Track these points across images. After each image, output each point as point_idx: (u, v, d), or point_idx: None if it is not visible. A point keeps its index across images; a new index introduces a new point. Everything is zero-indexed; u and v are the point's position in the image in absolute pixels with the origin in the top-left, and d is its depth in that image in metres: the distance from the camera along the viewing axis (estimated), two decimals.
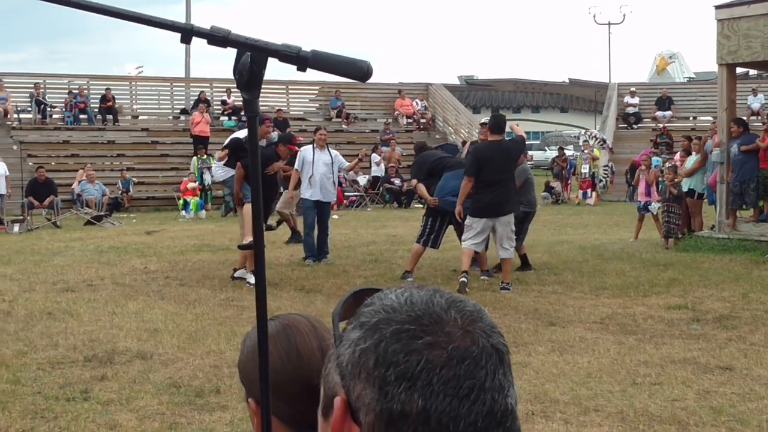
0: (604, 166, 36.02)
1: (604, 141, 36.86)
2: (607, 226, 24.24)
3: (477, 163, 13.33)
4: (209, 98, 37.84)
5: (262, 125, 15.72)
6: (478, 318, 1.24)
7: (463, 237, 13.65)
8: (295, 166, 17.08)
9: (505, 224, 13.34)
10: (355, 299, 1.32)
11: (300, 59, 1.73)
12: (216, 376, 8.37)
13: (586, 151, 35.40)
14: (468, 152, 14.52)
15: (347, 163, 17.82)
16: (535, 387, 7.99)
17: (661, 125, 39.36)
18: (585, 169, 34.55)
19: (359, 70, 1.75)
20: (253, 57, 1.72)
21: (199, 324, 10.84)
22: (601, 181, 35.37)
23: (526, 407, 7.37)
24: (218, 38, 1.72)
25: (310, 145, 17.16)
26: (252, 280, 13.82)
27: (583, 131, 42.46)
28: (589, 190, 34.38)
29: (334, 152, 17.35)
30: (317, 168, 16.67)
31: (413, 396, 1.16)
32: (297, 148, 16.29)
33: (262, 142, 14.53)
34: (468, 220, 13.45)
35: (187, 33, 1.73)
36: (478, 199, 13.25)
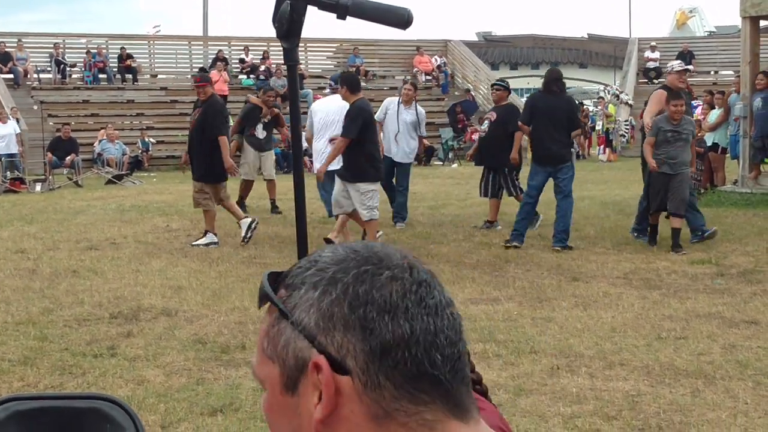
0: (625, 121, 35.82)
1: (617, 96, 36.66)
2: (629, 182, 24.13)
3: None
4: (227, 57, 37.75)
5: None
6: (404, 251, 1.34)
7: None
8: (377, 118, 16.41)
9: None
10: (272, 280, 1.35)
11: (339, 7, 1.72)
12: (241, 333, 8.41)
13: (599, 107, 35.24)
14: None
15: (424, 133, 16.53)
16: (560, 342, 8.00)
17: None
18: (599, 125, 34.40)
19: (400, 18, 1.74)
20: (292, 5, 1.71)
21: (223, 281, 10.87)
22: (623, 136, 35.17)
23: (551, 361, 7.39)
24: None
25: (396, 98, 16.14)
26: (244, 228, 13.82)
27: (602, 87, 42.23)
28: (602, 146, 34.23)
29: (421, 113, 16.12)
30: (399, 125, 15.70)
31: (399, 322, 1.24)
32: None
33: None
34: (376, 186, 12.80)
35: None
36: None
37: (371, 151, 12.54)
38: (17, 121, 28.70)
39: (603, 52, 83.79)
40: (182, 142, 33.35)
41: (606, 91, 37.40)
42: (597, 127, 34.45)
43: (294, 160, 1.82)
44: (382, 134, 15.80)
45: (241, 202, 17.22)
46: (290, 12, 1.70)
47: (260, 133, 17.77)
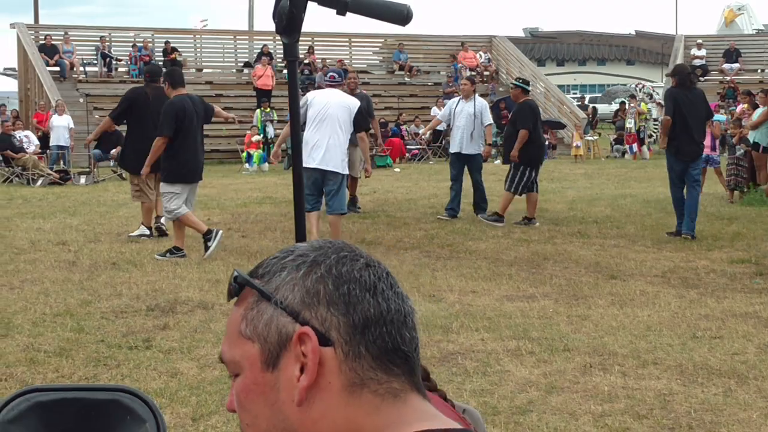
0: (654, 120, 35.62)
1: (651, 96, 36.41)
2: None
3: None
4: (272, 51, 37.85)
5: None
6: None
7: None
8: (441, 118, 17.08)
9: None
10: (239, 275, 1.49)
11: (339, 3, 1.73)
12: None
13: (632, 105, 34.95)
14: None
15: (489, 121, 16.37)
16: (594, 340, 7.97)
17: (728, 78, 38.78)
18: (630, 123, 34.09)
19: (398, 14, 1.75)
20: (292, 1, 1.72)
21: None
22: (651, 136, 34.91)
23: (584, 359, 7.36)
24: None
25: (458, 97, 16.70)
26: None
27: (633, 84, 41.93)
28: (634, 145, 33.94)
29: (481, 104, 16.39)
30: (458, 119, 16.18)
31: (378, 300, 1.41)
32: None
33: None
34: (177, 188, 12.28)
35: None
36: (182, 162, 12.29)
37: (180, 151, 12.12)
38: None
39: (650, 49, 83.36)
40: (227, 136, 33.70)
41: (637, 89, 37.19)
42: (628, 125, 34.14)
43: (293, 157, 1.83)
44: (451, 134, 16.58)
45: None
46: (290, 7, 1.71)
47: None
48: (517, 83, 16.06)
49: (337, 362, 1.38)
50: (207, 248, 12.13)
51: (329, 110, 12.26)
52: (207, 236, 12.18)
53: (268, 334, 1.41)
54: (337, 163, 12.26)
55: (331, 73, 13.35)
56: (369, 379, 1.39)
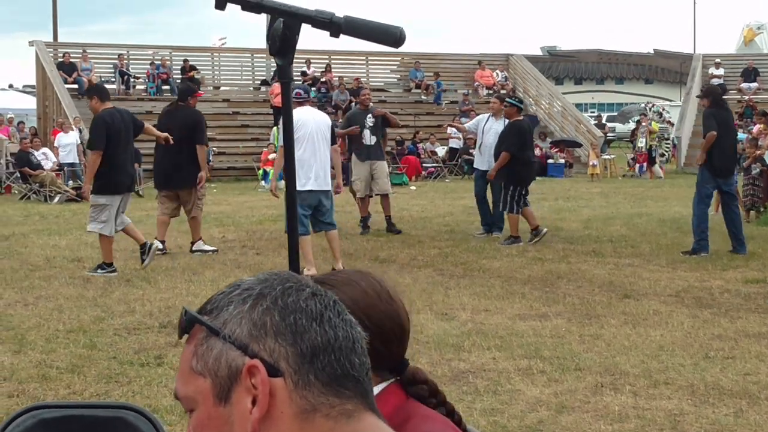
0: (666, 139, 35.57)
1: (661, 114, 36.41)
2: (688, 199, 23.82)
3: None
4: None
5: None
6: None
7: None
8: (468, 128, 17.33)
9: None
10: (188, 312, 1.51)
11: (333, 25, 1.74)
12: None
13: (643, 124, 34.92)
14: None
15: None
16: (606, 359, 7.95)
17: (746, 97, 38.67)
18: (641, 142, 34.01)
19: (392, 36, 1.76)
20: (285, 23, 1.74)
21: None
22: (663, 155, 34.85)
23: (595, 379, 7.34)
24: (251, 3, 1.74)
25: (488, 113, 16.66)
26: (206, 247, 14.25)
27: (643, 104, 41.92)
28: (644, 164, 33.86)
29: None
30: (486, 137, 16.09)
31: (325, 329, 1.43)
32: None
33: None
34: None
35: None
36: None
37: (108, 162, 12.22)
38: (80, 131, 29.18)
39: (669, 68, 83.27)
40: (243, 153, 33.83)
41: (647, 108, 37.25)
42: (639, 144, 34.08)
43: (287, 176, 1.84)
44: (477, 148, 16.66)
45: (364, 221, 16.70)
46: (283, 29, 1.73)
47: (368, 139, 16.44)
48: (512, 101, 16.03)
49: (287, 392, 1.40)
50: (95, 270, 12.31)
51: (310, 128, 12.31)
52: (107, 266, 12.36)
53: (218, 368, 1.42)
54: (329, 181, 12.52)
55: (297, 90, 13.16)
56: (321, 404, 1.41)
